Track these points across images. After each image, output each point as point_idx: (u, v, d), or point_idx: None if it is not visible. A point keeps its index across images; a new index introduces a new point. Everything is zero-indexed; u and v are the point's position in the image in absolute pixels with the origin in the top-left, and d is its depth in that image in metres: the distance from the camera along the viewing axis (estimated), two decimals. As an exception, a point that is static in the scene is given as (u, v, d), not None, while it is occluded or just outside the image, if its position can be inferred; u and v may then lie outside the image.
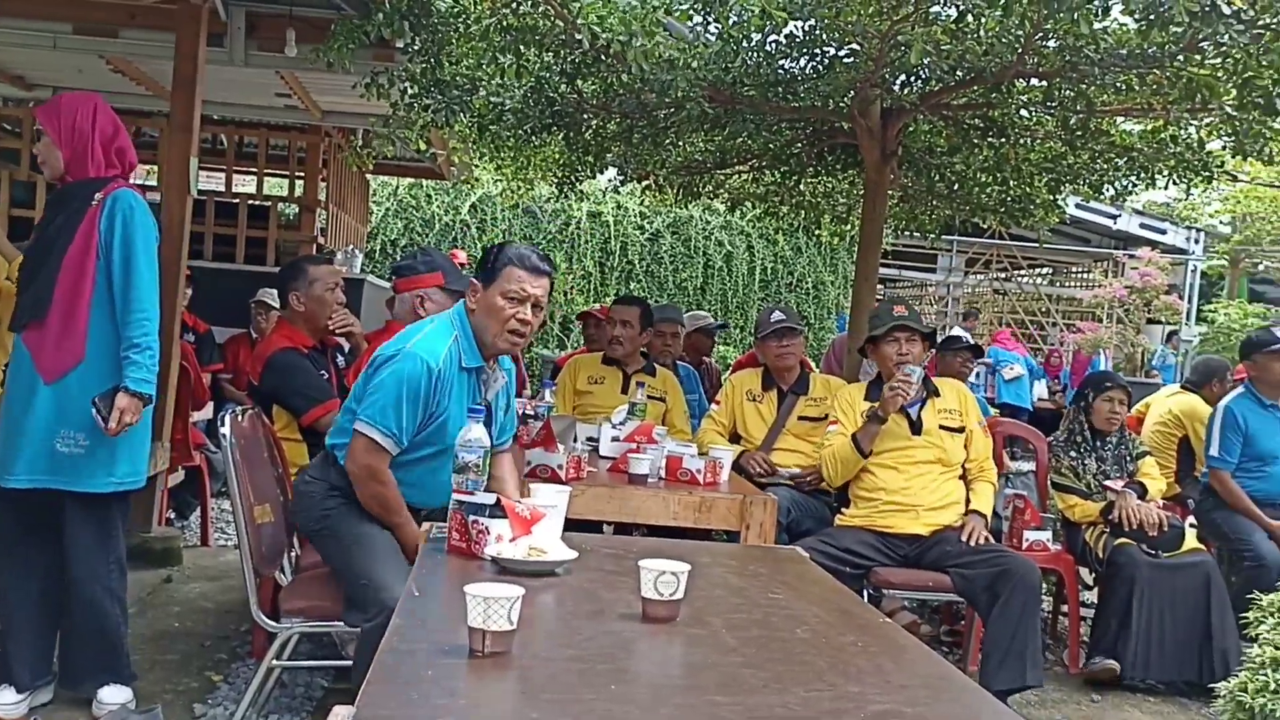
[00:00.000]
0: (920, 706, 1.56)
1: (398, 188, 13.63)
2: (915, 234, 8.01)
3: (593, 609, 1.95)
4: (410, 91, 5.03)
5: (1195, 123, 5.11)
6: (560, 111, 5.58)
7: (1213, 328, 14.10)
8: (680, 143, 6.42)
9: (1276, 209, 7.96)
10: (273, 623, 2.98)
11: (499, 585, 1.64)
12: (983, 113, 5.57)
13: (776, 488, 4.17)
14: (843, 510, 4.24)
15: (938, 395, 4.28)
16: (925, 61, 4.68)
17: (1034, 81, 5.13)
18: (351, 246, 8.92)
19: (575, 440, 3.75)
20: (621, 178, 7.39)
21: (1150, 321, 13.98)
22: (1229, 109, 4.67)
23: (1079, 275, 16.95)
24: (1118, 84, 4.80)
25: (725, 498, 3.60)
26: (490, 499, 2.30)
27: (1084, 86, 4.79)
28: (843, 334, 6.78)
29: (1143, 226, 14.95)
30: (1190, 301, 14.88)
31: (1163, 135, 5.49)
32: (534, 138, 5.99)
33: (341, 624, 2.90)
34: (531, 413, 4.05)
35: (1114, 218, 14.53)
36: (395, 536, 2.87)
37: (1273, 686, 3.02)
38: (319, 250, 8.35)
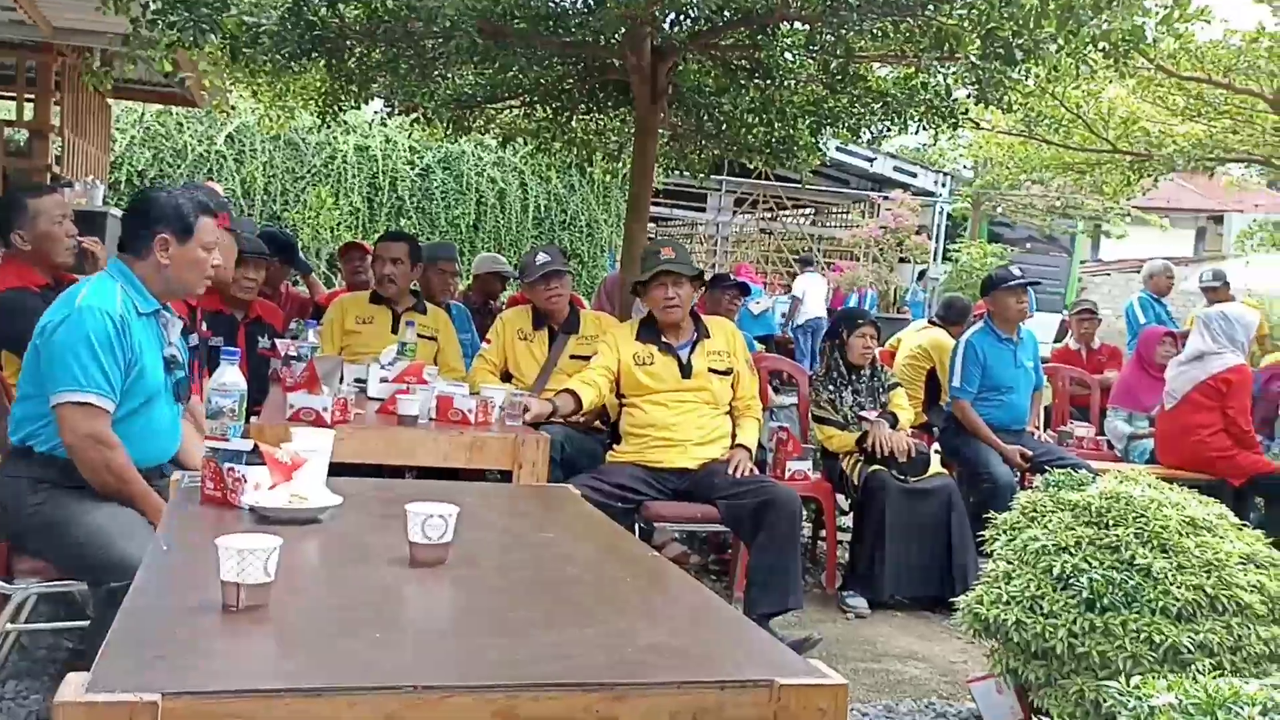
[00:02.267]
0: (685, 637, 1.60)
1: (144, 114, 12.70)
2: (685, 173, 8.13)
3: (358, 556, 1.89)
4: (153, 7, 4.66)
5: (943, 71, 5.37)
6: (321, 36, 5.30)
7: (957, 266, 15.07)
8: (449, 75, 6.25)
9: (1012, 155, 8.53)
10: (4, 584, 2.76)
11: (254, 536, 1.56)
12: (749, 54, 5.67)
13: (549, 425, 4.18)
14: (614, 447, 4.30)
15: (708, 336, 4.37)
16: (695, 0, 4.72)
17: (798, 25, 5.26)
18: (92, 177, 8.25)
19: (342, 381, 3.62)
20: (389, 109, 7.13)
21: (902, 260, 14.79)
22: (973, 58, 4.93)
23: (839, 215, 17.71)
24: (874, 31, 4.99)
25: (497, 437, 3.57)
26: (247, 445, 2.18)
27: (844, 32, 4.94)
28: (614, 272, 6.83)
29: (896, 170, 15.75)
30: (938, 241, 15.83)
31: (914, 82, 5.76)
32: (293, 64, 5.69)
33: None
34: (294, 354, 3.89)
35: (871, 160, 15.23)
36: (138, 509, 2.67)
37: (1005, 598, 3.27)
38: (54, 180, 7.68)
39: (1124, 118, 7.34)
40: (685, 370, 4.26)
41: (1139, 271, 22.45)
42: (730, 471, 4.13)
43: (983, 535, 4.85)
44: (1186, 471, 5.43)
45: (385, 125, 11.80)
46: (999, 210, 16.54)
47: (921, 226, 14.23)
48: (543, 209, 14.13)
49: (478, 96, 6.59)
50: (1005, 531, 3.48)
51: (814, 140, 6.68)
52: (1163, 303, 8.44)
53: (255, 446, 2.17)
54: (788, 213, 17.60)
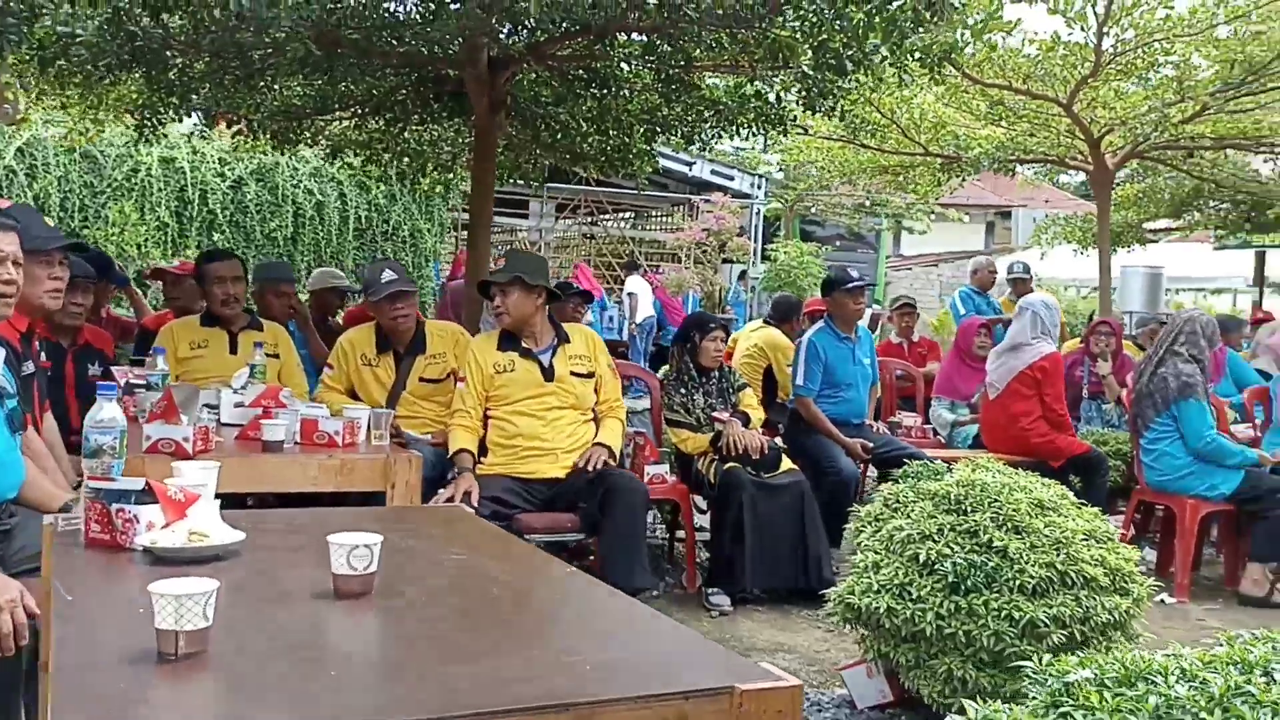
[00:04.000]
0: (634, 650, 1.63)
1: (-80, 127, 11.76)
2: (519, 182, 8.12)
3: (279, 591, 1.84)
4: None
5: (777, 80, 5.55)
6: (143, 47, 5.06)
7: (775, 265, 15.57)
8: (276, 86, 6.06)
9: (833, 159, 8.89)
10: None
11: (188, 580, 1.50)
12: (587, 64, 5.73)
13: (417, 443, 4.12)
14: (481, 460, 4.27)
15: (568, 341, 4.41)
16: (533, 12, 4.73)
17: (635, 36, 5.34)
18: None
19: (202, 409, 3.48)
20: (208, 122, 6.85)
21: (725, 261, 15.16)
22: (806, 68, 5.12)
23: (659, 219, 18.00)
24: (711, 41, 5.12)
25: (367, 458, 3.50)
26: (137, 484, 2.08)
27: (683, 42, 5.04)
28: (458, 281, 6.77)
29: (714, 173, 16.14)
30: (756, 242, 16.30)
31: (745, 90, 5.94)
32: (109, 75, 5.40)
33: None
34: (141, 382, 3.71)
35: (690, 165, 15.55)
36: None
37: (875, 587, 3.42)
38: None
39: (934, 123, 7.77)
40: (548, 374, 4.29)
41: (937, 266, 23.60)
42: (583, 465, 4.19)
43: (833, 527, 5.11)
44: (1013, 456, 5.78)
45: (203, 138, 11.28)
46: (813, 210, 17.16)
47: (742, 228, 14.63)
48: (364, 220, 13.80)
49: (306, 108, 6.42)
50: (870, 523, 3.64)
51: (648, 148, 6.80)
52: (985, 296, 8.95)
53: (146, 484, 2.08)
54: (609, 217, 17.77)
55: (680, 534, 5.48)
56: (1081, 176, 22.12)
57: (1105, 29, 6.87)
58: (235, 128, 6.73)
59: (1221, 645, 1.72)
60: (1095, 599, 3.30)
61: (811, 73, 5.12)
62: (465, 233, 16.61)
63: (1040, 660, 1.78)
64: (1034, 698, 1.66)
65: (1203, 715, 1.37)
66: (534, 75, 6.09)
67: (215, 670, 1.43)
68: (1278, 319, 9.85)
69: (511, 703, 1.35)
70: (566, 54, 5.61)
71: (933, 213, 17.17)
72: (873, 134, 7.36)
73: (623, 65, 5.77)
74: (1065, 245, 12.07)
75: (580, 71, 5.83)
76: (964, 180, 9.15)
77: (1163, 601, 5.17)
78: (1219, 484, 5.26)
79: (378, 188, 13.72)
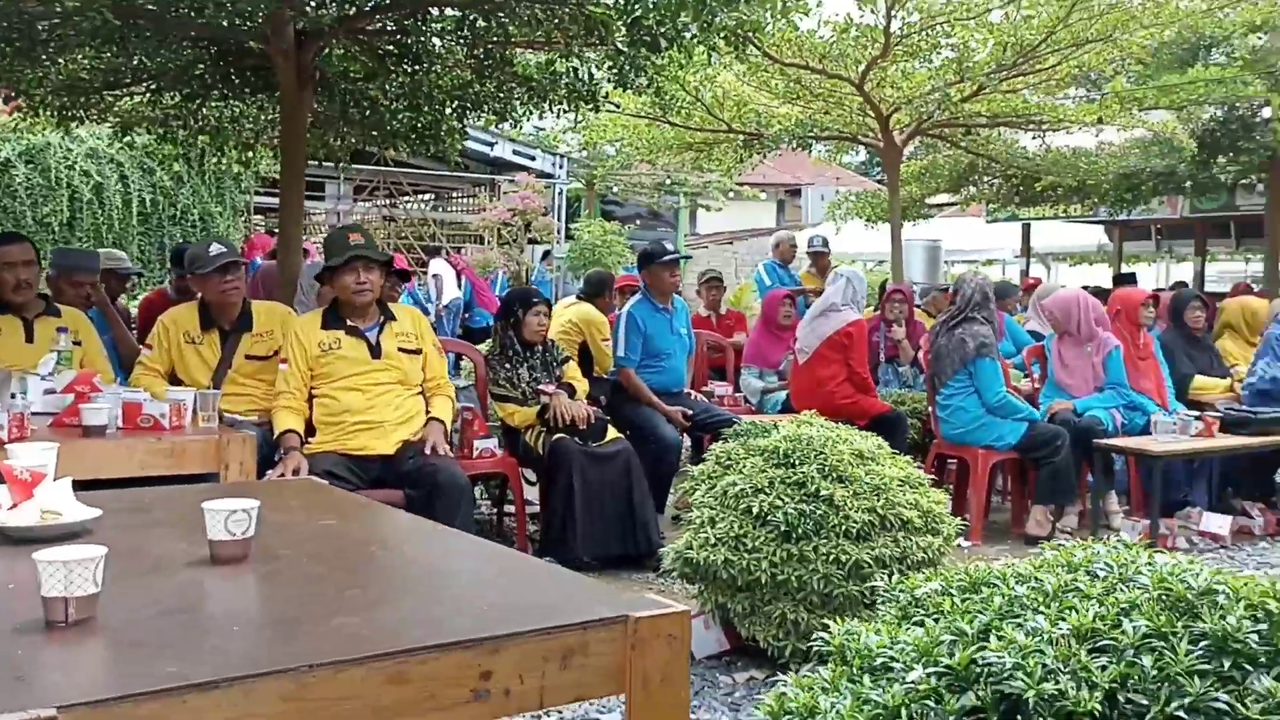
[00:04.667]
0: (526, 591, 1.69)
1: None
2: (322, 162, 7.93)
3: (153, 562, 1.80)
4: None
5: (590, 56, 5.64)
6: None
7: (579, 244, 15.70)
8: (62, 59, 5.73)
9: (639, 136, 9.06)
10: None
11: (75, 547, 1.47)
12: (398, 39, 5.66)
13: (240, 424, 4.01)
14: (309, 440, 4.20)
15: (394, 319, 4.39)
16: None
17: (449, 10, 5.32)
18: None
19: (14, 395, 3.29)
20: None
21: (531, 242, 15.17)
22: (620, 44, 5.23)
23: (460, 200, 17.82)
24: (526, 17, 5.16)
25: (198, 440, 3.41)
26: (-22, 465, 1.99)
27: (500, 17, 5.06)
28: (271, 262, 6.56)
29: (516, 153, 16.10)
30: (560, 221, 16.39)
31: (555, 67, 5.99)
32: None
33: None
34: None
35: (491, 145, 15.47)
36: None
37: (711, 541, 3.58)
38: None
39: (737, 100, 8.05)
40: (375, 351, 4.27)
41: (732, 244, 24.27)
42: (427, 450, 4.19)
43: (662, 492, 5.26)
44: (820, 418, 6.09)
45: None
46: (614, 190, 17.37)
47: (546, 208, 14.69)
48: (149, 203, 13.10)
49: (95, 82, 6.08)
50: (704, 481, 3.80)
51: (460, 125, 6.77)
52: (787, 268, 9.33)
53: (-11, 465, 1.99)
54: (409, 199, 17.48)
55: (509, 508, 5.53)
56: (864, 155, 23.19)
57: (893, 12, 7.28)
58: (13, 103, 6.31)
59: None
60: (911, 539, 3.57)
61: (625, 49, 5.23)
62: (260, 217, 16.04)
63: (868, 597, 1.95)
64: (886, 613, 1.82)
65: (1040, 608, 1.55)
66: (343, 50, 5.97)
67: (107, 634, 1.41)
68: (1045, 283, 10.69)
69: (414, 643, 1.39)
70: (377, 28, 5.53)
71: (730, 191, 17.67)
72: (679, 111, 7.57)
73: (435, 41, 5.73)
74: (857, 220, 12.70)
75: (391, 46, 5.76)
76: (765, 156, 9.51)
77: (959, 546, 5.58)
78: (1006, 435, 5.70)
79: (164, 169, 13.07)
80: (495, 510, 5.81)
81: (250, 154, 7.44)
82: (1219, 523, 5.76)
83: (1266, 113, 10.16)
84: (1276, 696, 1.38)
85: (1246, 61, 8.97)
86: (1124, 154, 11.15)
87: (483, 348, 6.07)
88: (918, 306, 8.35)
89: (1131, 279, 13.83)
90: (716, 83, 7.75)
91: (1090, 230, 18.91)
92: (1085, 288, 7.82)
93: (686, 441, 6.61)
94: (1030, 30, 7.32)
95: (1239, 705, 1.38)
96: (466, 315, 12.68)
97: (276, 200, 14.11)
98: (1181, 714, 1.38)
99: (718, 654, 3.86)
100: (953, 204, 14.78)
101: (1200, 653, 1.43)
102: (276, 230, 6.55)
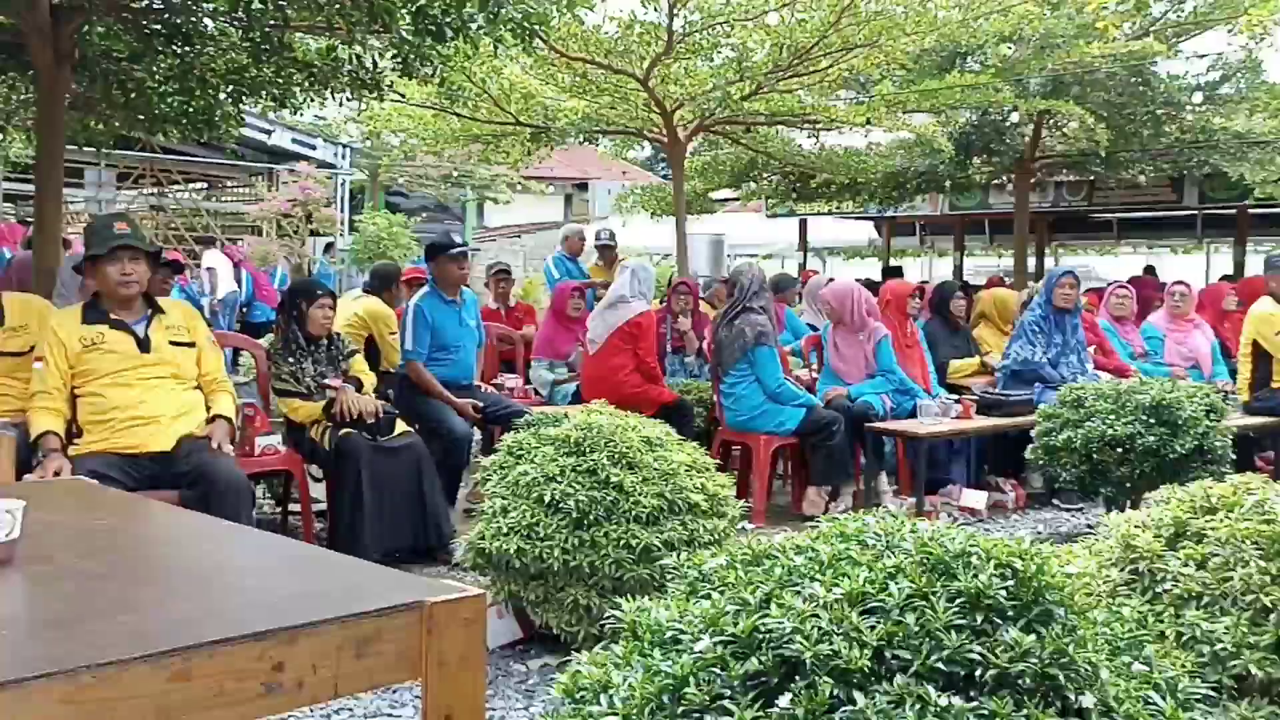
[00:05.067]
0: (320, 580, 1.66)
1: None
2: (83, 147, 7.46)
3: (-98, 570, 1.67)
4: None
5: (374, 43, 5.53)
6: None
7: (363, 236, 15.35)
8: None
9: (425, 127, 8.92)
10: None
11: None
12: (165, 18, 5.39)
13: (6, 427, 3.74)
14: (75, 441, 3.97)
15: (163, 312, 4.19)
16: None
17: (223, -10, 5.11)
18: None
19: None
20: None
21: (313, 234, 14.72)
22: (404, 33, 5.16)
23: (236, 189, 17.10)
24: (305, 1, 5.01)
25: (-53, 442, 3.15)
26: None
27: None
28: (27, 253, 6.13)
29: (295, 142, 15.56)
30: (343, 213, 15.96)
31: (338, 53, 5.85)
32: None
33: None
34: None
35: (268, 133, 14.89)
36: None
37: (504, 530, 3.60)
38: None
39: (524, 93, 8.05)
40: (143, 345, 4.07)
41: (520, 237, 24.26)
42: (214, 446, 4.03)
43: (453, 485, 5.23)
44: (610, 408, 6.19)
45: None
46: (399, 181, 17.05)
47: (329, 199, 14.26)
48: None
49: None
50: (496, 471, 3.81)
51: (236, 110, 6.51)
52: (576, 261, 9.40)
53: None
54: (179, 187, 16.62)
55: (294, 506, 5.37)
56: (650, 151, 23.60)
57: (675, 10, 7.46)
58: None
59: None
60: (698, 522, 3.69)
61: (410, 38, 5.17)
62: (11, 205, 14.88)
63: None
64: (676, 589, 1.89)
65: (816, 576, 1.65)
66: (105, 28, 5.63)
67: None
68: (816, 277, 11.20)
69: (200, 638, 1.36)
70: (143, 5, 5.25)
71: (517, 184, 17.65)
72: (466, 102, 7.51)
73: (207, 21, 5.49)
74: (643, 214, 12.93)
75: (159, 26, 5.48)
76: (552, 150, 9.56)
77: (743, 528, 5.79)
78: (786, 421, 5.96)
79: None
80: (279, 509, 5.63)
81: (0, 136, 6.91)
82: (976, 498, 6.21)
83: (1015, 117, 10.97)
84: (1022, 646, 1.53)
85: (997, 70, 9.66)
86: (890, 154, 11.81)
87: (264, 342, 5.87)
88: (702, 299, 8.59)
89: (899, 272, 14.68)
90: (503, 75, 7.74)
91: (861, 226, 19.94)
92: (859, 280, 8.25)
93: (477, 434, 6.58)
94: (804, 33, 7.65)
95: (990, 655, 1.51)
96: (245, 309, 12.20)
97: (28, 187, 13.18)
98: (940, 665, 1.50)
99: (511, 643, 3.88)
100: (735, 199, 15.26)
101: (957, 609, 1.56)
102: (29, 219, 6.13)
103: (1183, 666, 1.83)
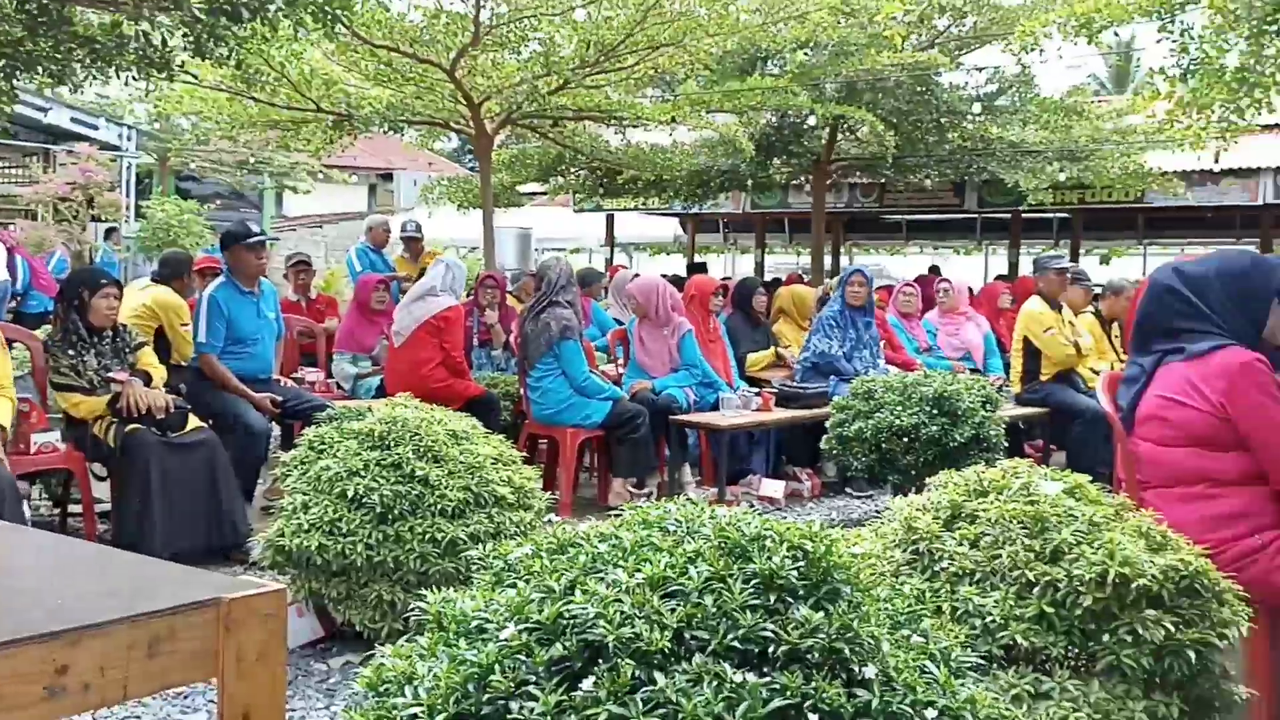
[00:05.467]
0: (108, 579, 1.60)
1: None
2: None
3: None
4: None
5: (164, 20, 5.27)
6: None
7: (150, 223, 14.58)
8: None
9: (220, 110, 8.53)
10: None
11: None
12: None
13: None
14: None
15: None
16: None
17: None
18: None
19: None
20: None
21: (94, 219, 13.88)
22: (197, 11, 4.95)
23: (8, 170, 15.95)
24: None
25: None
26: None
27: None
28: None
29: (75, 121, 14.64)
30: (129, 197, 15.11)
31: (124, 29, 5.55)
32: None
33: None
34: None
35: (45, 110, 13.95)
36: None
37: (305, 526, 3.52)
38: None
39: (326, 80, 7.82)
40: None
41: (321, 227, 23.62)
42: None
43: (250, 482, 5.06)
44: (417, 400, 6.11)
45: None
46: (190, 166, 16.27)
47: (113, 183, 13.47)
48: None
49: None
50: (297, 466, 3.71)
51: (9, 86, 6.07)
52: (380, 253, 9.21)
53: None
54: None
55: (75, 507, 5.08)
56: (456, 142, 23.34)
57: (483, 2, 7.41)
58: None
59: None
60: (505, 515, 3.70)
61: (204, 16, 4.96)
62: None
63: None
64: (482, 579, 1.90)
65: (619, 562, 1.69)
66: None
67: None
68: (622, 272, 11.36)
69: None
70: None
71: (319, 173, 17.12)
72: (264, 87, 7.24)
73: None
74: (450, 206, 12.78)
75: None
76: (355, 138, 9.32)
77: (550, 520, 5.83)
78: (592, 414, 6.02)
79: None
80: (58, 510, 5.31)
81: None
82: (774, 487, 6.44)
83: (813, 121, 11.40)
84: (811, 622, 1.61)
85: (795, 75, 10.02)
86: (695, 152, 12.07)
87: (40, 334, 5.52)
88: (510, 293, 8.58)
89: (704, 268, 15.03)
90: (304, 60, 7.50)
91: (667, 222, 20.29)
92: (665, 276, 8.41)
93: (276, 430, 6.38)
94: (610, 31, 7.73)
95: (782, 632, 1.59)
96: (19, 299, 11.41)
97: None
98: (736, 644, 1.57)
99: (312, 642, 3.80)
100: (543, 193, 15.28)
101: (752, 590, 1.63)
102: None
103: (956, 638, 1.96)
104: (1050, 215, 16.87)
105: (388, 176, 26.12)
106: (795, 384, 6.80)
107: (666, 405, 6.25)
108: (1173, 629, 2.14)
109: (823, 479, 6.99)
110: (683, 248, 20.42)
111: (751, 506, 6.21)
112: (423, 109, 8.83)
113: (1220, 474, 2.85)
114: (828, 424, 5.81)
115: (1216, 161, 10.74)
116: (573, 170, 12.76)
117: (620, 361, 7.16)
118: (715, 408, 6.34)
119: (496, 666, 1.57)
